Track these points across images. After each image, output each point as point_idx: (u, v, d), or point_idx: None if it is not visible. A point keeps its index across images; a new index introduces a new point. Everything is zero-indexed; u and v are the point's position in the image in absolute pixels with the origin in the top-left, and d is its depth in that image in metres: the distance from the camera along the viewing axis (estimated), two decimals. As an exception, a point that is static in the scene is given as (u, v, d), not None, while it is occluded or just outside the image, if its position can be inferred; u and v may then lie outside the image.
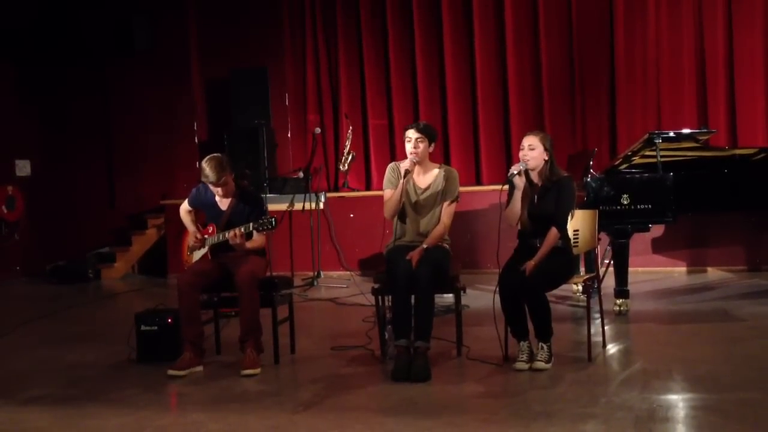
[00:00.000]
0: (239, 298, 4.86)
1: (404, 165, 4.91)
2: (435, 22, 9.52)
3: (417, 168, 4.95)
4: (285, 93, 10.10)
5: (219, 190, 5.01)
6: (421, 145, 4.89)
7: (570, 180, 4.76)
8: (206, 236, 5.14)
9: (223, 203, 5.12)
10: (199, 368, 4.89)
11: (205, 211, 5.24)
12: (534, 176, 4.75)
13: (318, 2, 10.02)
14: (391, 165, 5.08)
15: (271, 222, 4.78)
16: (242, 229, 4.85)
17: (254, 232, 4.88)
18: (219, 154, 5.06)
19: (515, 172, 4.66)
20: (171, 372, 4.75)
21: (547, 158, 4.70)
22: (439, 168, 5.04)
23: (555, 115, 9.11)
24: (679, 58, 8.65)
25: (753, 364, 4.53)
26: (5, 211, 10.01)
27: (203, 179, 5.02)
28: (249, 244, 4.96)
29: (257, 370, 4.76)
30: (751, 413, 3.69)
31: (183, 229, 5.41)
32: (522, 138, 4.80)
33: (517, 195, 4.70)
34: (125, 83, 10.29)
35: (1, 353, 5.77)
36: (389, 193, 4.97)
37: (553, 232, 4.61)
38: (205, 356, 4.99)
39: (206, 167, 4.93)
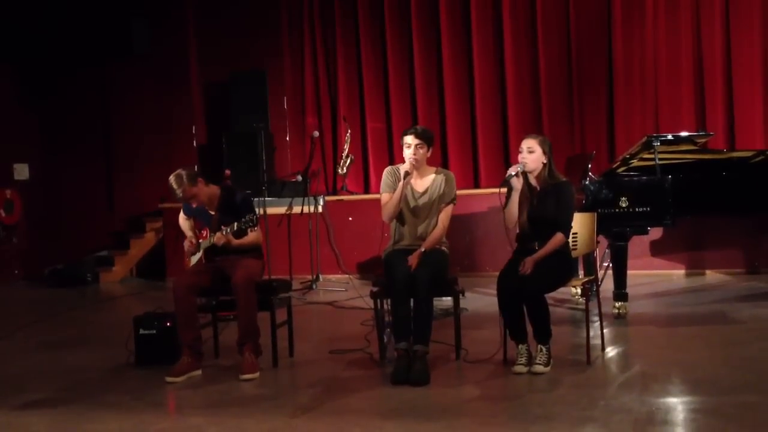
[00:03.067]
0: (236, 302, 4.86)
1: (404, 167, 4.91)
2: (433, 25, 9.53)
3: (415, 172, 4.95)
4: (283, 96, 10.11)
5: (192, 201, 5.06)
6: (421, 151, 4.90)
7: (569, 184, 4.77)
8: (200, 240, 5.18)
9: (212, 207, 5.17)
10: (198, 372, 4.88)
11: (199, 218, 5.28)
12: (532, 179, 4.75)
13: (316, 5, 10.03)
14: (388, 168, 5.08)
15: (252, 220, 4.84)
16: (228, 230, 4.89)
17: (243, 229, 4.91)
18: (180, 170, 5.03)
19: (513, 173, 4.67)
20: (168, 379, 4.75)
21: (545, 161, 4.71)
22: (436, 172, 5.05)
23: (553, 118, 9.11)
24: (677, 60, 8.66)
25: (752, 367, 4.52)
26: (3, 214, 10.00)
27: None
28: (239, 241, 4.98)
29: (256, 375, 4.75)
30: (750, 416, 3.69)
31: (182, 233, 5.44)
32: (520, 141, 4.81)
33: (515, 197, 4.71)
34: (124, 86, 10.30)
35: (0, 357, 5.76)
36: (387, 197, 4.97)
37: (558, 236, 4.61)
38: (203, 360, 4.99)
39: (170, 185, 4.99)
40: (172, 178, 4.99)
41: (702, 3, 8.56)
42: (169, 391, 4.63)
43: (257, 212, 5.08)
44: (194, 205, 5.13)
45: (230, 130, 9.66)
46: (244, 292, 4.82)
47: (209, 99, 10.32)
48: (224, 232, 4.91)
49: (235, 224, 4.87)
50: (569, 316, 6.20)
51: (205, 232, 5.17)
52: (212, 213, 5.16)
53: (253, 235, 5.03)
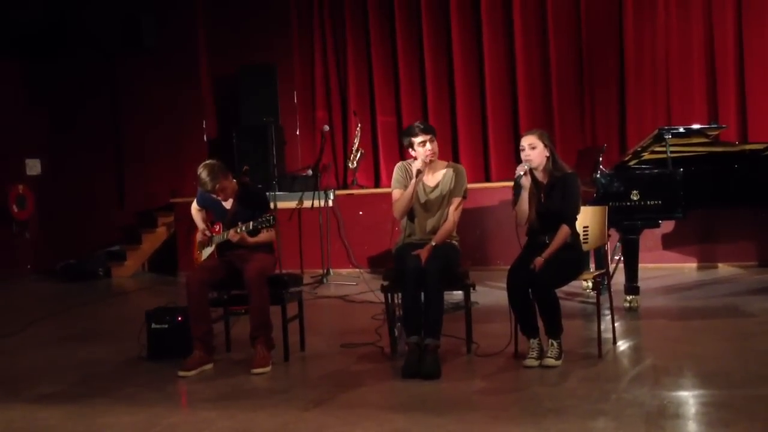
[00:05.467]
0: (248, 295, 4.88)
1: (416, 165, 4.89)
2: (443, 18, 9.50)
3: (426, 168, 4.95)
4: (293, 90, 10.11)
5: (220, 193, 5.07)
6: (434, 145, 4.89)
7: (574, 176, 4.76)
8: (213, 234, 5.20)
9: (227, 202, 5.19)
10: (209, 366, 4.91)
11: (212, 210, 5.29)
12: (538, 174, 4.74)
13: (326, -1, 10.03)
14: (399, 164, 5.06)
15: (269, 220, 4.85)
16: (243, 228, 4.90)
17: (258, 228, 4.92)
18: (212, 161, 5.10)
19: (521, 173, 4.66)
20: (181, 373, 4.77)
21: (548, 154, 4.70)
22: (447, 166, 5.04)
23: (564, 111, 9.08)
24: (688, 52, 8.61)
25: (764, 360, 4.51)
26: (16, 210, 10.06)
27: (200, 187, 5.07)
28: (254, 239, 5.00)
29: (267, 369, 4.77)
30: (762, 409, 3.68)
31: (193, 227, 5.46)
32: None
33: (524, 195, 4.70)
34: (134, 81, 10.32)
35: (13, 351, 5.81)
36: (398, 193, 4.96)
37: (564, 229, 4.61)
38: (215, 353, 5.01)
39: (201, 176, 5.00)
40: (203, 170, 4.98)
41: (714, -6, 8.51)
42: (181, 384, 4.65)
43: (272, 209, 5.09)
44: (221, 198, 5.13)
45: (240, 124, 9.67)
46: (257, 286, 4.83)
47: (219, 93, 10.32)
48: (239, 230, 4.91)
49: (251, 223, 4.88)
50: (580, 310, 6.19)
51: (218, 227, 5.19)
52: (227, 207, 5.17)
53: (266, 234, 5.04)
